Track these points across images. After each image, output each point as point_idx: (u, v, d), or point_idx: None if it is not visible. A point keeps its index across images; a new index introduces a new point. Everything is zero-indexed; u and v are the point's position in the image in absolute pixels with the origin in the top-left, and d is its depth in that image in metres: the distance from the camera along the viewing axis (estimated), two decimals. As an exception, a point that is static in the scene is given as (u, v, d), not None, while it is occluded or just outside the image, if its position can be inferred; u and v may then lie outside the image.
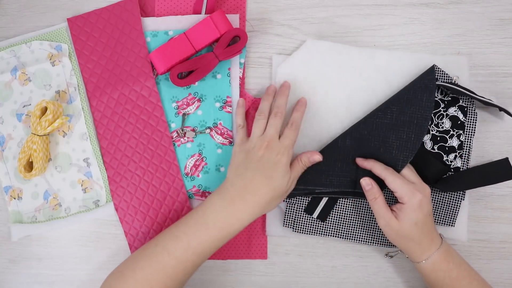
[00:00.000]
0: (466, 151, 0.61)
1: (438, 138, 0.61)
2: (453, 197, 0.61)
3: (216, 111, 0.64)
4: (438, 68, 0.62)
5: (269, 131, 0.57)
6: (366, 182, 0.58)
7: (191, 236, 0.54)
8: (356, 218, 0.62)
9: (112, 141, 0.65)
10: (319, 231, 0.62)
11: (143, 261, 0.54)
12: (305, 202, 0.62)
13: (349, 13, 0.66)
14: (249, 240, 0.64)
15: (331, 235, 0.62)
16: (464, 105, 0.61)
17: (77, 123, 0.65)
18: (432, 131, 0.61)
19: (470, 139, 0.61)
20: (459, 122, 0.61)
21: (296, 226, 0.62)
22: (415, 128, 0.59)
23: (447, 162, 0.61)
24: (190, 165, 0.64)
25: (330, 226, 0.62)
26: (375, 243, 0.62)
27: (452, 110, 0.61)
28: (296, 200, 0.62)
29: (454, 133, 0.61)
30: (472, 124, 0.61)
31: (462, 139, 0.61)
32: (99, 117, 0.65)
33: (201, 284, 0.65)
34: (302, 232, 0.62)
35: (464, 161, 0.61)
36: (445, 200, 0.61)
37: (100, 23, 0.66)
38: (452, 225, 0.61)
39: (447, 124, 0.61)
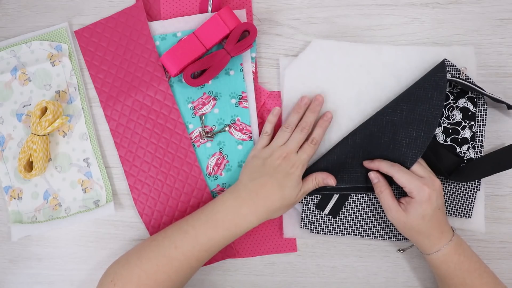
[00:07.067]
0: (478, 141, 0.61)
1: (450, 131, 0.61)
2: (469, 188, 0.61)
3: (233, 108, 0.64)
4: (447, 60, 0.61)
5: (290, 144, 0.59)
6: (374, 176, 0.59)
7: (200, 232, 0.55)
8: (372, 214, 0.62)
9: (130, 149, 0.64)
10: (337, 230, 0.62)
11: (150, 252, 0.55)
12: (317, 199, 0.62)
13: (349, 13, 0.66)
14: (276, 235, 0.64)
15: (348, 234, 0.62)
16: (473, 95, 0.61)
17: (77, 123, 0.65)
18: (443, 123, 0.61)
19: (482, 129, 0.61)
20: (469, 113, 0.61)
21: (313, 227, 0.62)
22: (425, 126, 0.58)
23: (461, 154, 0.61)
24: (212, 164, 0.64)
25: (347, 224, 0.62)
26: (393, 237, 0.62)
27: (462, 102, 0.61)
28: (310, 201, 0.62)
29: (466, 124, 0.61)
30: (483, 114, 0.61)
31: (474, 130, 0.61)
32: (115, 126, 0.65)
33: (201, 284, 0.65)
34: (320, 233, 0.62)
35: (477, 151, 0.61)
36: (460, 192, 0.61)
37: (107, 32, 0.66)
38: (469, 217, 0.61)
39: (458, 116, 0.61)
